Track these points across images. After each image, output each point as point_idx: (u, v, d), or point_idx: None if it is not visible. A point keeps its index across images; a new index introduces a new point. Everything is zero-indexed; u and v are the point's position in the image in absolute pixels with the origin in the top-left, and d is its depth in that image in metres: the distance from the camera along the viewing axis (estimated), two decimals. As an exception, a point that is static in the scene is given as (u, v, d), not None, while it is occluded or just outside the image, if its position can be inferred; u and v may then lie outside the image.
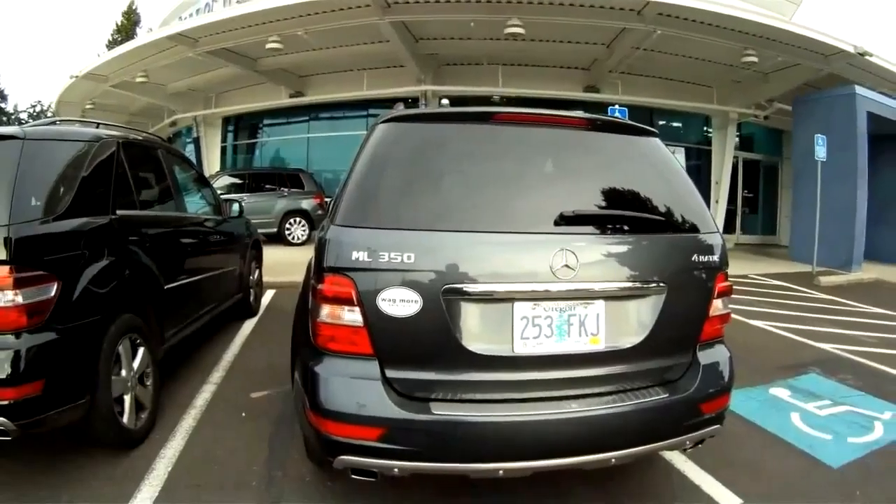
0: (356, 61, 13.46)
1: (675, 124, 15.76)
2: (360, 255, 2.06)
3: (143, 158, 3.87)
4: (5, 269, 2.38)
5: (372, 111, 14.42)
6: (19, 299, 2.40)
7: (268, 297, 7.15)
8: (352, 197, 2.21)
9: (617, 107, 10.40)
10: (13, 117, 32.80)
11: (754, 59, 11.23)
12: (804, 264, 11.14)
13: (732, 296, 2.63)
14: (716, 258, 2.43)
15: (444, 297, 2.08)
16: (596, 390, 2.24)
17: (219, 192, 6.29)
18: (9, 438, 2.43)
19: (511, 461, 2.09)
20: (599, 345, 2.23)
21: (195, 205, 4.82)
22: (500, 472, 2.10)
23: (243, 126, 17.72)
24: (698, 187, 2.63)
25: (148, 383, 3.28)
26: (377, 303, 2.06)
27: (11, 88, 64.86)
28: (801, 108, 12.65)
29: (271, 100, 15.48)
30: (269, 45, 11.52)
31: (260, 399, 3.84)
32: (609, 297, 2.24)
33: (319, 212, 12.35)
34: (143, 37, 15.97)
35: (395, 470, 2.07)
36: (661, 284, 2.28)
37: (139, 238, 3.37)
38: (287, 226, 12.62)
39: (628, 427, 2.19)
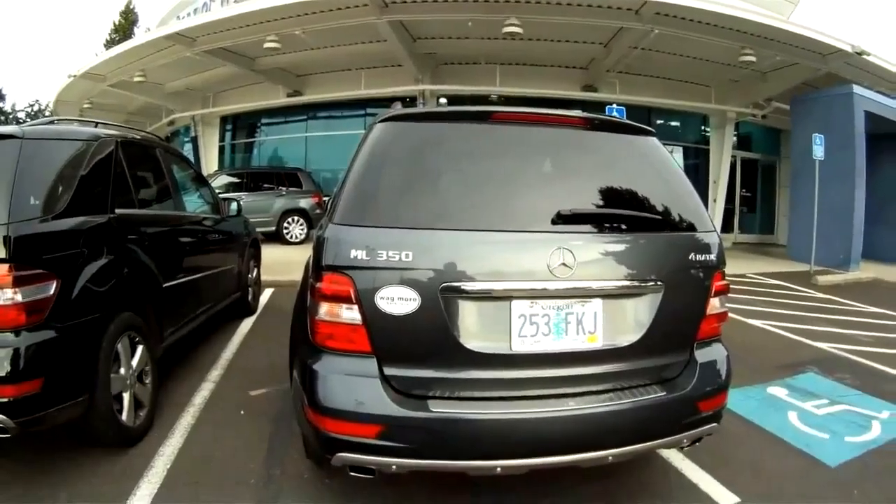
0: (354, 61, 13.45)
1: (672, 123, 15.76)
2: (359, 254, 2.06)
3: (142, 157, 3.87)
4: (4, 267, 2.38)
5: (370, 110, 14.39)
6: (18, 297, 2.40)
7: (266, 295, 7.15)
8: (350, 196, 2.22)
9: (615, 106, 10.38)
10: (11, 116, 32.69)
11: (752, 58, 11.23)
12: (802, 263, 11.17)
13: (730, 295, 2.64)
14: (713, 257, 2.44)
15: (442, 296, 2.08)
16: (593, 388, 2.25)
17: (217, 191, 6.29)
18: (8, 436, 2.44)
19: (509, 459, 2.10)
20: (597, 343, 2.24)
21: (193, 204, 4.82)
22: (498, 469, 2.10)
23: (241, 125, 17.68)
24: (696, 186, 2.64)
25: (147, 381, 3.28)
26: (375, 301, 2.07)
27: (9, 88, 64.95)
28: (799, 108, 12.67)
29: (269, 99, 15.46)
30: (266, 45, 11.51)
31: (258, 397, 3.85)
32: (606, 295, 2.25)
33: (318, 211, 12.35)
34: (140, 36, 15.97)
35: (393, 467, 2.08)
36: (659, 283, 2.29)
37: (138, 237, 3.37)
38: (285, 225, 12.62)
39: (626, 425, 2.20)
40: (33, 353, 2.44)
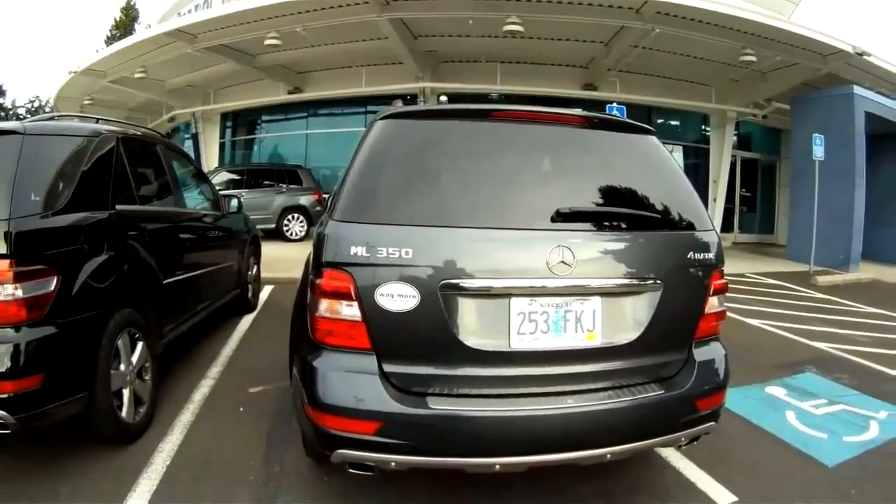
0: (355, 58, 13.45)
1: (673, 123, 15.77)
2: (359, 251, 2.07)
3: (143, 154, 3.87)
4: (5, 262, 2.39)
5: (370, 108, 14.40)
6: (19, 293, 2.41)
7: (266, 292, 7.15)
8: (350, 193, 2.22)
9: (615, 105, 10.38)
10: (11, 112, 32.69)
11: (753, 58, 11.23)
12: (802, 264, 11.17)
13: (729, 294, 2.64)
14: (711, 256, 2.44)
15: (442, 293, 2.09)
16: (592, 386, 2.26)
17: (217, 187, 6.29)
18: (8, 432, 2.44)
19: (507, 456, 2.11)
20: (595, 341, 2.24)
21: (194, 200, 4.82)
22: (497, 466, 2.11)
23: (242, 122, 17.69)
24: (696, 186, 2.65)
25: (146, 378, 3.29)
26: (375, 298, 2.07)
27: (10, 84, 64.89)
28: (799, 108, 12.67)
29: (270, 96, 15.46)
30: (267, 42, 11.52)
31: (258, 394, 3.85)
32: (605, 293, 2.26)
33: (318, 208, 12.35)
34: (141, 33, 15.98)
35: (392, 464, 2.08)
36: (658, 281, 2.30)
37: (138, 233, 3.37)
38: (285, 222, 12.63)
39: (624, 423, 2.21)
40: (33, 349, 2.45)
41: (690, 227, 2.45)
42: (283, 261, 8.82)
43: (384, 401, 2.07)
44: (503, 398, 2.16)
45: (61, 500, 2.55)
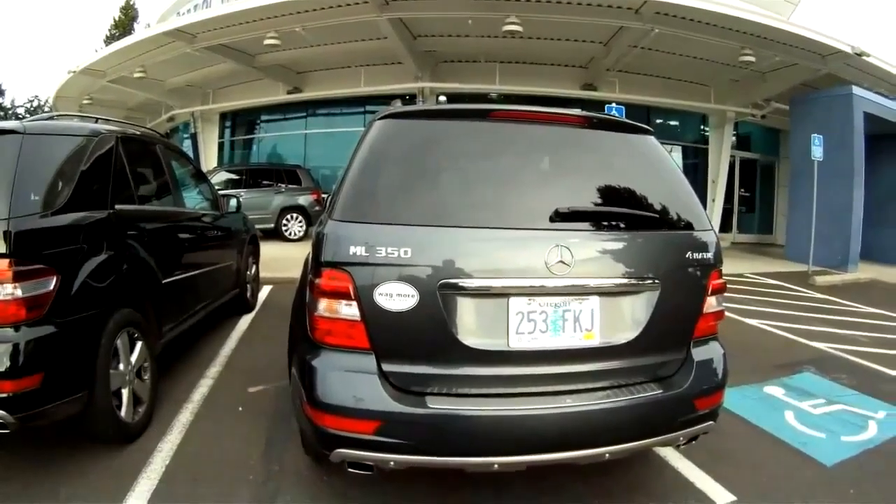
0: (354, 58, 13.45)
1: (672, 123, 15.78)
2: (358, 250, 2.07)
3: (142, 153, 3.87)
4: (5, 262, 2.39)
5: (369, 108, 14.40)
6: (18, 293, 2.41)
7: (264, 292, 7.15)
8: (349, 192, 2.23)
9: (614, 105, 10.40)
10: (10, 112, 32.63)
11: (752, 58, 11.24)
12: (800, 264, 11.18)
13: (728, 294, 2.64)
14: (710, 255, 2.45)
15: (441, 292, 2.09)
16: (590, 385, 2.26)
17: (216, 187, 6.29)
18: (7, 431, 2.44)
19: (506, 455, 2.11)
20: (594, 340, 2.24)
21: (193, 200, 4.82)
22: (495, 465, 2.11)
23: (241, 122, 17.68)
24: (695, 186, 2.65)
25: (145, 377, 3.29)
26: (374, 297, 2.08)
27: (9, 83, 64.78)
28: (798, 108, 12.69)
29: (269, 96, 15.46)
30: (266, 42, 11.52)
31: (257, 394, 3.85)
32: (604, 293, 2.26)
33: (317, 208, 12.34)
34: (140, 32, 15.98)
35: (392, 463, 2.09)
36: (656, 281, 2.30)
37: (137, 232, 3.37)
38: (284, 222, 12.63)
39: (622, 422, 2.21)
40: (33, 349, 2.45)
41: (689, 226, 2.45)
42: (281, 260, 8.82)
43: (383, 400, 2.07)
44: (502, 397, 2.16)
45: (61, 500, 2.55)
